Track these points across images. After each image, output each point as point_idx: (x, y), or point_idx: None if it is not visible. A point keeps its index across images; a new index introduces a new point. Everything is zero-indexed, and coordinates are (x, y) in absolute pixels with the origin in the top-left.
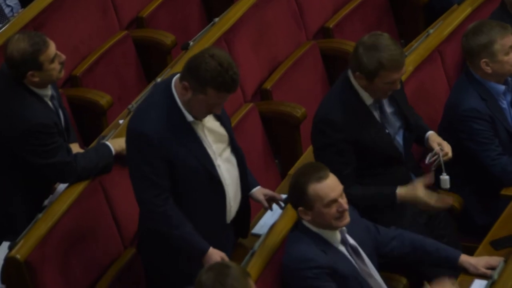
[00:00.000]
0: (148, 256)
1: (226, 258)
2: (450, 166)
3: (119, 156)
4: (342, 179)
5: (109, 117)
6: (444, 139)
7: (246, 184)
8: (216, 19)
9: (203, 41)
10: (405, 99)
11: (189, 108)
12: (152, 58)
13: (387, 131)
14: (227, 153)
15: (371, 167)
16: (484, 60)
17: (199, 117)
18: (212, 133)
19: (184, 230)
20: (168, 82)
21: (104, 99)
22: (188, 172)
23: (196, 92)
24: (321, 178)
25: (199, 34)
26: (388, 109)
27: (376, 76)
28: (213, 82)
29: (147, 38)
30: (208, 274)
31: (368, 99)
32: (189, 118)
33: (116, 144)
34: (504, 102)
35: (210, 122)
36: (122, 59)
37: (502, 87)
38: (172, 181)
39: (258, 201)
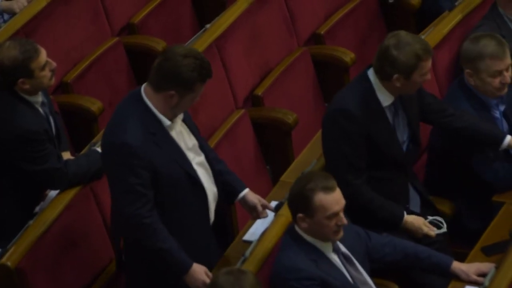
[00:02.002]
0: (134, 272)
1: (209, 274)
2: (442, 171)
3: None
4: (355, 173)
5: (100, 123)
6: (436, 144)
7: (219, 186)
8: (208, 25)
9: (195, 47)
10: (417, 114)
11: (171, 112)
12: (143, 64)
13: (397, 135)
14: (199, 157)
15: (373, 169)
16: (467, 71)
17: (177, 115)
18: (185, 138)
19: (171, 244)
20: (135, 94)
21: (95, 105)
22: (171, 179)
23: (183, 95)
24: (329, 189)
25: (190, 40)
26: (401, 116)
27: (416, 69)
28: (200, 77)
29: (139, 44)
30: (226, 277)
31: (386, 100)
32: (166, 122)
33: None
34: (497, 112)
35: (179, 126)
36: (113, 66)
37: (494, 100)
38: (155, 190)
39: (249, 205)
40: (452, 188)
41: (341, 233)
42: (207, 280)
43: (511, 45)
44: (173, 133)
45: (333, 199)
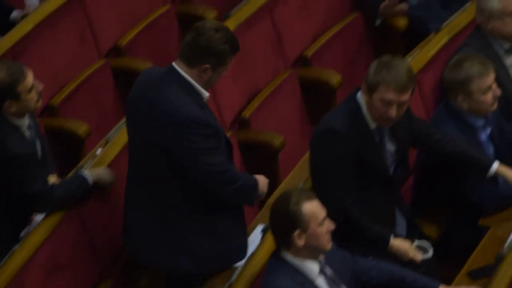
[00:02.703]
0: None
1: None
2: (429, 193)
3: (96, 185)
4: (343, 192)
5: (87, 146)
6: (422, 166)
7: None
8: None
9: None
10: (406, 138)
11: (204, 86)
12: (131, 86)
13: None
14: None
15: (360, 191)
16: (461, 95)
17: (208, 89)
18: None
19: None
20: (168, 71)
21: (81, 128)
22: (223, 143)
23: (216, 67)
24: (310, 197)
25: None
26: (388, 142)
27: (376, 90)
28: (232, 49)
29: (126, 66)
30: None
31: (372, 123)
32: (205, 94)
33: (94, 173)
34: (483, 135)
35: None
36: (100, 88)
37: (481, 122)
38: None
39: None
40: (439, 211)
41: (331, 242)
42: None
43: (496, 65)
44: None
45: (318, 205)
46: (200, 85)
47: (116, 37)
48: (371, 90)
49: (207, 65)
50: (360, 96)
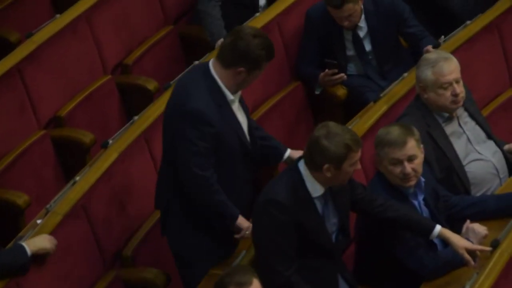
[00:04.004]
0: (175, 237)
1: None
2: (370, 260)
3: (35, 256)
4: (285, 263)
5: (27, 217)
6: (362, 233)
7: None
8: (136, 117)
9: (123, 139)
10: (347, 204)
11: (236, 88)
12: (71, 157)
13: (326, 226)
14: (246, 128)
15: (303, 258)
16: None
17: (240, 90)
18: (241, 115)
19: (223, 196)
20: (201, 68)
21: (21, 199)
22: (230, 148)
23: (251, 71)
24: (241, 285)
25: (118, 132)
26: (331, 209)
27: (346, 159)
28: (267, 56)
29: (66, 137)
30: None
31: (315, 191)
32: (230, 96)
33: (32, 244)
34: (416, 201)
35: (237, 104)
36: (40, 159)
37: (410, 189)
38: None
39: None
40: (380, 277)
41: None
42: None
43: (437, 134)
44: (234, 107)
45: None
46: (232, 86)
47: (56, 108)
48: (340, 163)
49: (242, 68)
50: (302, 165)
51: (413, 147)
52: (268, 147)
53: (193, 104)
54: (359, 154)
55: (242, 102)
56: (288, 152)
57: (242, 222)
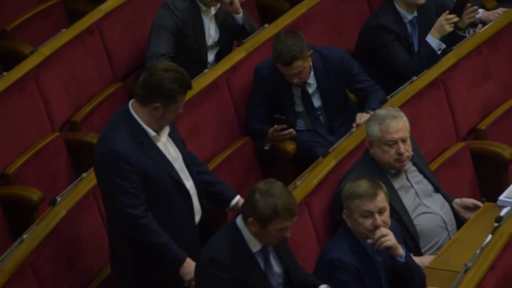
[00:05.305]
0: (124, 274)
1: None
2: None
3: None
4: None
5: None
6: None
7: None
8: (84, 174)
9: (71, 196)
10: (291, 256)
11: (157, 124)
12: (18, 214)
13: (269, 280)
14: (182, 168)
15: None
16: (344, 211)
17: (163, 126)
18: (170, 150)
19: (166, 238)
20: (123, 110)
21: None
22: (159, 183)
23: (167, 106)
24: None
25: (67, 189)
26: (274, 263)
27: (270, 222)
28: (180, 88)
29: (13, 194)
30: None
31: (255, 246)
32: (152, 133)
33: None
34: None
35: (165, 139)
36: None
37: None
38: (145, 192)
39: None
40: None
41: None
42: None
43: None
44: (159, 144)
45: None
46: (152, 123)
47: (3, 165)
48: (264, 223)
49: (158, 104)
50: (240, 221)
51: (383, 199)
52: (212, 193)
53: (108, 145)
54: (288, 223)
55: (175, 137)
56: (237, 199)
57: (187, 271)
